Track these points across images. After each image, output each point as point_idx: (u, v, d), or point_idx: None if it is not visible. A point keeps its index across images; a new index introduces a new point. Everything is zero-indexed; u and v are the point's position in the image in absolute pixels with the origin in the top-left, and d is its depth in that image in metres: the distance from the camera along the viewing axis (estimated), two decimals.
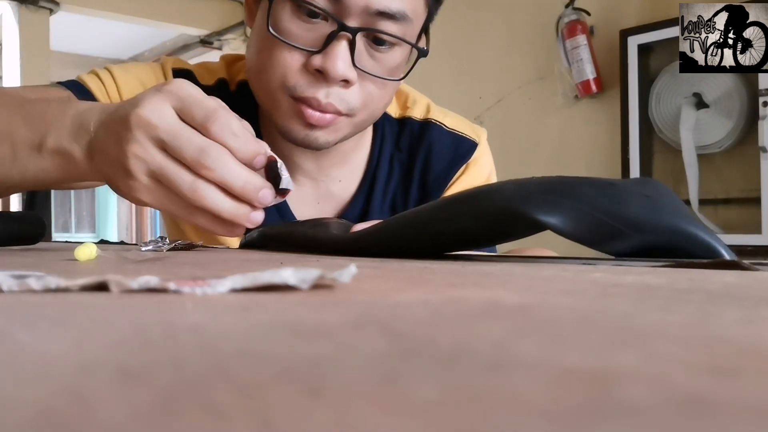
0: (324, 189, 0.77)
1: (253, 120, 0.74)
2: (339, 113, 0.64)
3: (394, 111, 0.80)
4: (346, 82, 0.63)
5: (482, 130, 0.82)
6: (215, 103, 0.45)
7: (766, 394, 0.09)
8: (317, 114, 0.63)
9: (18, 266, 0.32)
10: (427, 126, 0.79)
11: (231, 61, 0.79)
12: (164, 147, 0.44)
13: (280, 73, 0.63)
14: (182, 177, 0.44)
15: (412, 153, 0.79)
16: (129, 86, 0.72)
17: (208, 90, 0.73)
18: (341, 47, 0.61)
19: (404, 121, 0.79)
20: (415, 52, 0.68)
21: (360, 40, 0.62)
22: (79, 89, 0.69)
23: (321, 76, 0.62)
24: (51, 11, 3.94)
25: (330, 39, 0.61)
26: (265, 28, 0.63)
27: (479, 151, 0.80)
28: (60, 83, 0.71)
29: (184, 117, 0.45)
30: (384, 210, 0.77)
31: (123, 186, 0.46)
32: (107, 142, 0.46)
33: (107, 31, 4.79)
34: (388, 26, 0.62)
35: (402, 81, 0.69)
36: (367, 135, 0.78)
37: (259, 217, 0.45)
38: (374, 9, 0.61)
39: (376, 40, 0.63)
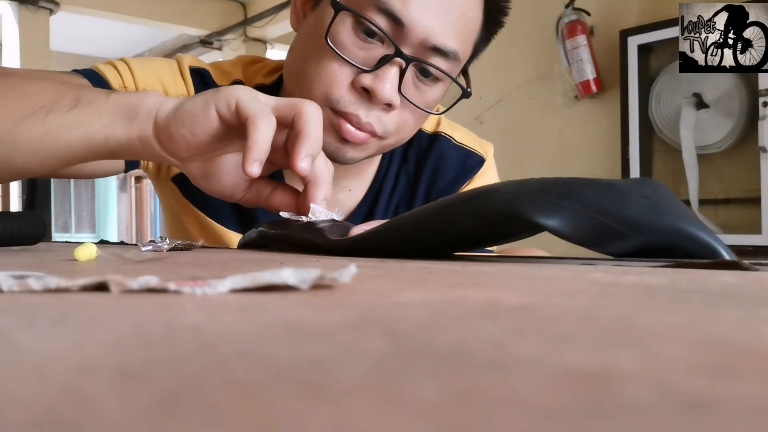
0: (333, 198, 0.78)
1: None
2: (374, 134, 0.64)
3: None
4: (389, 106, 0.63)
5: (489, 146, 0.83)
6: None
7: (766, 394, 0.09)
8: (353, 131, 0.64)
9: (18, 266, 0.32)
10: (436, 139, 0.80)
11: (247, 63, 0.79)
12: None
13: (326, 84, 0.63)
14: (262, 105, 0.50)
15: (419, 165, 0.79)
16: (146, 80, 0.71)
17: None
18: (392, 72, 0.62)
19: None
20: (452, 89, 0.69)
21: (409, 69, 0.63)
22: (97, 79, 0.69)
23: (366, 95, 0.62)
24: (51, 11, 3.94)
25: (383, 62, 0.62)
26: (319, 36, 0.63)
27: (486, 166, 0.81)
28: (77, 71, 0.70)
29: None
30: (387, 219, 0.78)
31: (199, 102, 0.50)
32: (205, 94, 0.51)
33: (107, 31, 4.79)
34: (438, 61, 0.64)
35: (442, 114, 0.71)
36: None
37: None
38: (431, 43, 0.62)
39: (423, 72, 0.64)
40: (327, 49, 0.63)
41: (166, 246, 0.49)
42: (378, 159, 0.79)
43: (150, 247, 0.48)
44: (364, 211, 0.78)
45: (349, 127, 0.63)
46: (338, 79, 0.63)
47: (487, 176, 0.81)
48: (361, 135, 0.64)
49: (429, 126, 0.80)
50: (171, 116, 0.51)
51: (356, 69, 0.62)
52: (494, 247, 0.71)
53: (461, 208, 0.37)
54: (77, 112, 0.51)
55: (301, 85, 0.66)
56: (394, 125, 0.65)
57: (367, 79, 0.62)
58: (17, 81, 0.55)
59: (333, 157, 0.66)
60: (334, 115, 0.64)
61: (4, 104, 0.53)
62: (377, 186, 0.79)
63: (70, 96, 0.52)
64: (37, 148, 0.53)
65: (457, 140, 0.80)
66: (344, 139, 0.64)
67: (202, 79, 0.74)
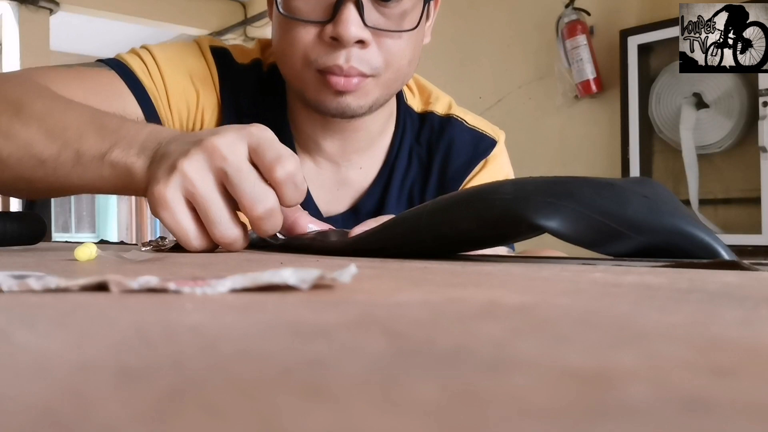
0: (344, 175, 0.79)
1: (282, 102, 0.77)
2: (363, 75, 0.66)
3: (416, 105, 0.82)
4: (363, 43, 0.65)
5: (501, 132, 0.84)
6: (288, 151, 0.48)
7: (766, 394, 0.09)
8: (342, 80, 0.65)
9: (18, 266, 0.32)
10: (448, 122, 0.80)
11: (266, 44, 0.82)
12: (224, 179, 0.46)
13: (301, 50, 0.66)
14: (217, 211, 0.46)
15: (431, 147, 0.80)
16: (171, 69, 0.73)
17: (244, 69, 0.77)
18: (349, 11, 0.63)
19: (426, 116, 0.81)
20: (428, 7, 0.70)
21: (366, 0, 0.64)
22: (122, 69, 0.71)
23: (337, 43, 0.64)
24: (51, 11, 3.94)
25: (338, 6, 0.63)
26: (279, 13, 0.66)
27: (498, 149, 0.81)
28: (101, 61, 0.73)
29: (255, 156, 0.47)
30: (401, 201, 0.79)
31: (155, 190, 0.47)
32: (171, 152, 0.48)
33: (107, 31, 4.79)
34: None
35: (416, 30, 0.69)
36: (391, 124, 0.80)
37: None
38: None
39: None
40: (289, 21, 0.66)
41: (167, 244, 0.49)
42: (390, 136, 0.80)
43: (150, 247, 0.49)
44: (377, 191, 0.79)
45: (335, 78, 0.65)
46: (307, 40, 0.65)
47: (500, 159, 0.81)
48: (351, 81, 0.65)
49: (441, 109, 0.81)
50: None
51: (318, 24, 0.65)
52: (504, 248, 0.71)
53: (461, 210, 0.37)
54: (82, 170, 0.54)
55: (285, 62, 0.69)
56: (380, 59, 0.66)
57: (330, 29, 0.64)
58: (24, 120, 0.57)
59: (339, 113, 0.68)
60: (320, 74, 0.66)
61: (14, 152, 0.56)
62: (390, 166, 0.79)
63: (70, 150, 0.54)
64: (55, 191, 0.58)
65: (470, 123, 0.81)
66: (339, 92, 0.66)
67: (224, 60, 0.76)
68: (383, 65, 0.67)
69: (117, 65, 0.71)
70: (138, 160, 0.51)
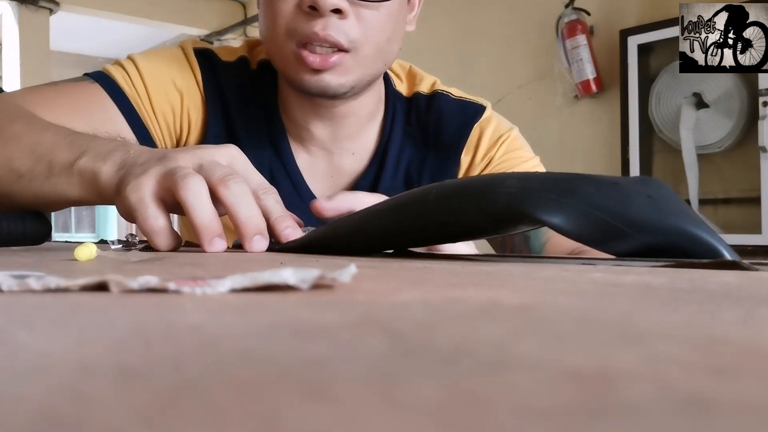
0: (337, 162, 0.80)
1: (272, 97, 0.78)
2: (341, 47, 0.66)
3: (405, 90, 0.83)
4: (340, 13, 0.65)
5: (487, 102, 0.85)
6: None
7: (766, 394, 0.09)
8: (318, 58, 0.66)
9: (18, 266, 0.32)
10: (434, 97, 0.81)
11: (253, 44, 0.83)
12: (200, 168, 0.50)
13: (282, 22, 0.67)
14: (189, 171, 0.48)
15: (422, 124, 0.81)
16: (154, 77, 0.74)
17: (229, 66, 0.78)
18: None
19: (413, 98, 0.82)
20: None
21: None
22: (105, 80, 0.72)
23: (315, 12, 0.65)
24: (51, 11, 3.94)
25: None
26: None
27: (488, 113, 0.82)
28: (87, 74, 0.74)
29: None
30: (396, 183, 0.79)
31: (134, 174, 0.50)
32: (143, 161, 0.52)
33: (107, 31, 4.79)
34: None
35: (393, 2, 0.70)
36: (380, 109, 0.81)
37: (220, 246, 0.48)
38: None
39: None
40: None
41: (138, 246, 0.50)
42: (379, 121, 0.80)
43: (120, 246, 0.49)
44: (371, 174, 0.79)
45: (311, 57, 0.66)
46: (286, 12, 0.66)
47: (495, 121, 0.81)
48: (328, 60, 0.66)
49: (425, 88, 0.82)
50: (118, 200, 0.53)
51: None
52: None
53: (465, 201, 0.37)
54: (53, 180, 0.57)
55: (272, 42, 0.69)
56: (358, 32, 0.67)
57: None
58: (3, 141, 0.61)
59: (319, 91, 0.69)
60: (297, 48, 0.67)
61: None
62: (382, 149, 0.80)
63: (44, 162, 0.58)
64: (33, 204, 0.61)
65: (455, 95, 0.82)
66: (316, 70, 0.67)
67: (207, 59, 0.77)
68: (361, 38, 0.67)
69: (100, 77, 0.73)
70: (104, 165, 0.54)
